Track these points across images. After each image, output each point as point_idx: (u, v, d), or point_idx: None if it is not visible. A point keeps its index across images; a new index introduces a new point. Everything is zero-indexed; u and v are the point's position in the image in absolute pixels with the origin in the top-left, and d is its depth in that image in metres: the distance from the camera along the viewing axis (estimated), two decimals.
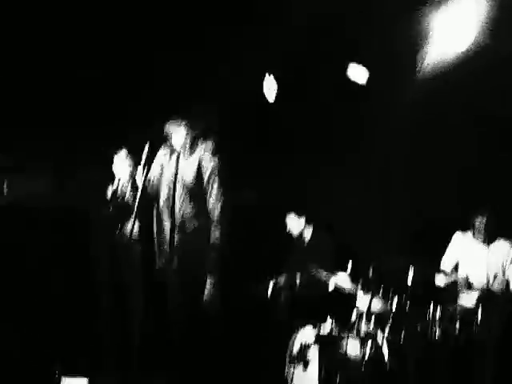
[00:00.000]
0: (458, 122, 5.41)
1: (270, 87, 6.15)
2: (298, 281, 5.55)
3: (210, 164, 3.58)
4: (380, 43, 5.38)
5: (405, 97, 5.53)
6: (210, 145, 3.64)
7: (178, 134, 3.70)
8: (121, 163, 5.06)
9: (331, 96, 5.93)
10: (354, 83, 5.73)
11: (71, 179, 5.87)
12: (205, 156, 3.61)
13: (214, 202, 3.55)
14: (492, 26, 4.85)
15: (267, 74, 6.19)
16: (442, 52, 5.19)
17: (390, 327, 4.48)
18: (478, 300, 4.71)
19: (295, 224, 5.79)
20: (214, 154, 3.61)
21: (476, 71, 5.08)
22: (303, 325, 4.73)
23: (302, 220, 5.77)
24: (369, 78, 5.70)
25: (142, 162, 3.54)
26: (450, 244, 5.37)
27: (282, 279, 5.66)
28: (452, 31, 5.03)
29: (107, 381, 4.82)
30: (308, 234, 5.81)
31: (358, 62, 5.70)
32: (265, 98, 6.02)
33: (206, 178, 3.58)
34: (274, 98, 6.07)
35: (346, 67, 5.82)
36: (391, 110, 5.67)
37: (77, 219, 5.67)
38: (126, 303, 5.44)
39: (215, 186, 3.56)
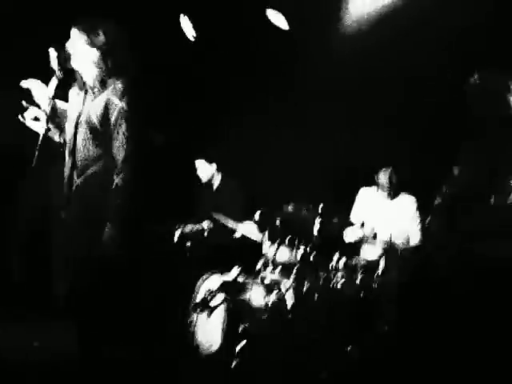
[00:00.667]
0: (379, 78, 5.44)
1: (187, 28, 5.96)
2: (205, 227, 5.53)
3: (118, 106, 3.40)
4: None
5: (328, 47, 5.50)
6: (119, 85, 3.44)
7: (87, 70, 3.48)
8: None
9: (251, 42, 5.83)
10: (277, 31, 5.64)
11: None
12: (113, 97, 3.41)
13: (119, 145, 3.39)
14: None
15: (182, 15, 5.99)
16: (366, 8, 5.17)
17: (294, 276, 4.53)
18: (381, 253, 4.85)
19: (205, 170, 5.71)
20: (123, 95, 3.42)
21: (400, 27, 5.10)
22: (209, 272, 4.70)
23: (212, 167, 5.70)
24: (291, 29, 5.62)
25: (48, 96, 3.31)
26: (356, 198, 5.48)
27: (188, 226, 5.62)
28: None
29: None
30: (217, 181, 5.76)
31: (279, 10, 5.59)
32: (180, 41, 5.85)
33: (112, 119, 3.40)
34: (192, 39, 5.90)
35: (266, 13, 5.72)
36: (314, 60, 5.63)
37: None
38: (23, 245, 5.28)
39: (122, 128, 3.39)
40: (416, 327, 4.68)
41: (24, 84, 4.96)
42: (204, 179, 5.74)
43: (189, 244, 5.25)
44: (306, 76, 5.73)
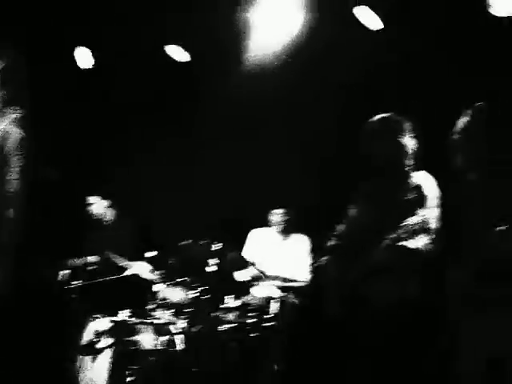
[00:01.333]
0: (277, 114, 5.52)
1: (84, 59, 5.85)
2: (94, 266, 5.34)
3: (15, 135, 3.22)
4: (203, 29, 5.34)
5: (229, 84, 5.53)
6: (17, 114, 3.27)
7: None
8: None
9: (148, 77, 5.79)
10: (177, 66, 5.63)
11: None
12: (11, 126, 3.24)
13: (11, 175, 3.21)
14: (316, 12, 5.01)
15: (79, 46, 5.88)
16: (266, 41, 5.25)
17: (186, 317, 4.45)
18: (273, 293, 4.85)
19: (97, 207, 5.54)
20: (19, 124, 3.25)
21: (300, 59, 5.21)
22: (97, 312, 4.52)
23: (105, 203, 5.55)
24: (192, 63, 5.63)
25: None
26: (248, 237, 5.49)
27: (77, 262, 5.40)
28: (276, 20, 5.12)
29: None
30: (109, 218, 5.60)
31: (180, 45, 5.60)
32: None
33: (7, 149, 3.22)
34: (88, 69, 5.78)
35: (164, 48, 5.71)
36: (214, 96, 5.64)
37: None
38: None
39: (15, 159, 3.22)
40: (307, 367, 4.71)
41: None
42: (95, 215, 5.56)
43: (76, 282, 5.03)
44: (202, 112, 5.74)
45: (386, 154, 3.51)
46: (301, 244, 5.36)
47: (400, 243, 3.36)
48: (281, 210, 5.34)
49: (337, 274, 3.65)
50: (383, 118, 3.58)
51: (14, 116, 3.26)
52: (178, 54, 5.76)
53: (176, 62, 5.78)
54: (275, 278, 5.04)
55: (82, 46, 5.87)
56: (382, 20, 4.92)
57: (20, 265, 3.26)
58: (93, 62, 5.86)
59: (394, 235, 3.37)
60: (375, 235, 3.48)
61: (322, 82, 5.29)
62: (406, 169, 3.49)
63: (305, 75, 5.34)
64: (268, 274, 5.15)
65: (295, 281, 5.08)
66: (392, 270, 3.44)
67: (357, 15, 4.91)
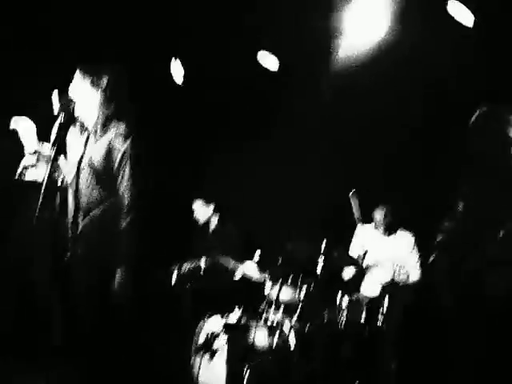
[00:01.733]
0: (374, 116, 5.47)
1: (177, 70, 6.00)
2: (202, 266, 5.45)
3: (122, 147, 3.36)
4: (292, 33, 5.37)
5: (320, 83, 5.53)
6: (122, 127, 3.40)
7: (89, 113, 3.46)
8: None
9: (244, 81, 5.87)
10: (267, 71, 5.68)
11: None
12: (117, 138, 3.37)
13: (124, 187, 3.34)
14: (402, 15, 4.94)
15: (174, 58, 6.04)
16: (355, 43, 5.23)
17: (297, 316, 4.46)
18: (383, 290, 4.80)
19: (202, 211, 5.67)
20: (126, 138, 3.38)
21: (389, 61, 5.15)
22: (210, 314, 4.61)
23: (210, 207, 5.66)
24: (282, 68, 5.67)
25: (51, 139, 3.26)
26: (354, 235, 5.46)
27: (187, 267, 5.54)
28: (365, 22, 5.09)
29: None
30: (215, 221, 5.71)
31: (270, 51, 5.64)
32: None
33: (116, 161, 3.35)
34: (182, 81, 5.93)
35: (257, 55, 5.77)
36: (306, 98, 5.65)
37: None
38: (28, 293, 5.17)
39: (126, 171, 3.34)
40: (422, 366, 4.63)
41: (13, 123, 4.95)
42: (201, 220, 5.69)
43: (188, 285, 5.15)
44: (303, 113, 5.75)
45: (492, 147, 3.42)
46: (405, 240, 5.28)
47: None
48: (384, 208, 5.28)
49: (449, 270, 3.56)
50: (487, 109, 3.48)
51: (118, 130, 3.39)
52: (269, 61, 5.82)
53: (267, 69, 5.84)
54: (383, 274, 4.99)
55: (175, 57, 6.03)
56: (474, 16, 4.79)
57: (137, 271, 3.38)
58: (184, 73, 6.01)
59: (509, 227, 3.27)
60: (488, 229, 3.39)
61: (413, 81, 5.20)
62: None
63: (395, 74, 5.27)
64: (375, 271, 5.13)
65: (403, 277, 5.00)
66: (509, 262, 3.33)
67: (450, 11, 4.80)
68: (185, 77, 5.98)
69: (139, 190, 3.34)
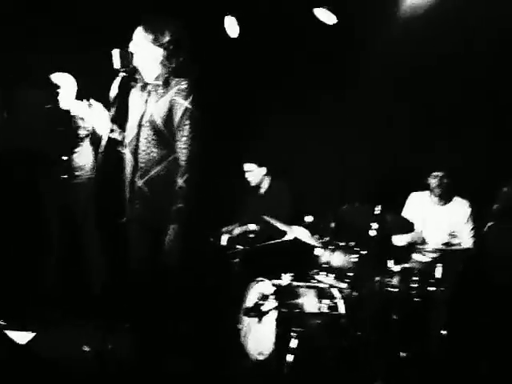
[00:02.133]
0: (432, 71, 5.28)
1: (232, 27, 5.90)
2: (252, 229, 5.45)
3: (182, 106, 3.32)
4: None
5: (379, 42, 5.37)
6: (184, 86, 3.36)
7: (151, 69, 3.43)
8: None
9: (299, 37, 5.74)
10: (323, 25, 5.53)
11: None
12: (178, 97, 3.34)
13: (183, 146, 3.32)
14: None
15: (228, 15, 5.93)
16: None
17: (348, 281, 4.42)
18: (435, 257, 4.71)
19: (254, 174, 5.63)
20: (188, 96, 3.34)
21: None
22: (260, 276, 4.61)
23: (262, 170, 5.62)
24: (340, 23, 5.51)
25: (111, 96, 3.26)
26: (406, 202, 5.34)
27: (236, 229, 5.55)
28: None
29: (58, 335, 4.59)
30: (266, 185, 5.67)
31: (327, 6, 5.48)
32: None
33: (176, 120, 3.33)
34: (236, 37, 5.85)
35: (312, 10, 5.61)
36: (365, 53, 5.50)
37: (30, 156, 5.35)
38: (81, 250, 5.27)
39: (186, 129, 3.32)
40: (473, 332, 4.55)
41: (54, 78, 5.01)
42: (253, 183, 5.66)
43: (239, 247, 5.16)
44: (354, 72, 5.62)
45: None
46: (461, 208, 5.13)
47: None
48: (440, 173, 5.11)
49: (506, 239, 3.46)
50: None
51: (180, 87, 3.35)
52: (325, 16, 5.66)
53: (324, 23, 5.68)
54: (436, 241, 4.89)
55: (229, 14, 5.92)
56: None
57: (190, 230, 3.37)
58: (238, 30, 5.91)
59: None
60: None
61: (477, 29, 4.98)
62: None
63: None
64: (429, 237, 5.03)
65: (456, 246, 4.87)
66: None
67: None
68: (240, 35, 5.87)
69: (198, 150, 3.32)
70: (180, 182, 3.29)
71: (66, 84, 5.16)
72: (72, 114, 5.17)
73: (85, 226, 5.24)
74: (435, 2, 4.98)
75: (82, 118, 5.03)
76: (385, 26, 5.33)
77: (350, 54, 5.67)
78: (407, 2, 5.14)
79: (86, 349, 4.10)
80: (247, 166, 5.63)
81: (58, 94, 5.13)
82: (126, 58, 3.31)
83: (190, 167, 3.30)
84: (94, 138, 5.15)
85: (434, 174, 5.13)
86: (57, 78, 5.15)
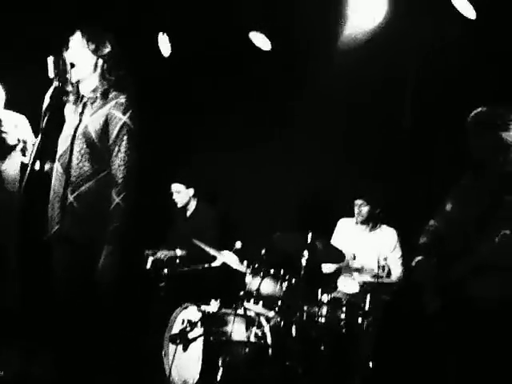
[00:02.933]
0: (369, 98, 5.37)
1: (164, 45, 5.82)
2: (178, 254, 5.31)
3: (120, 120, 3.17)
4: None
5: (321, 70, 5.41)
6: (123, 100, 3.21)
7: (88, 81, 3.27)
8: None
9: (236, 64, 5.72)
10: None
11: None
12: (115, 111, 3.19)
13: (120, 162, 3.16)
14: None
15: (161, 33, 5.84)
16: (356, 26, 5.11)
17: (277, 309, 4.36)
18: (364, 287, 4.72)
19: (181, 195, 5.50)
20: (126, 110, 3.20)
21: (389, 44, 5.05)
22: (186, 302, 4.47)
23: (189, 191, 5.50)
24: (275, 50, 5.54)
25: (44, 106, 3.06)
26: (336, 230, 5.36)
27: (161, 252, 5.39)
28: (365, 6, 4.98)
29: None
30: (193, 207, 5.56)
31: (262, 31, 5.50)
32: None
33: (113, 134, 3.17)
34: (168, 55, 5.75)
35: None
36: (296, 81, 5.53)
37: None
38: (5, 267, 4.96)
39: (123, 144, 3.17)
40: (400, 365, 4.59)
41: None
42: (180, 204, 5.52)
43: (164, 271, 4.99)
44: (287, 100, 5.63)
45: (487, 148, 3.34)
46: (387, 236, 5.19)
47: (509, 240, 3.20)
48: (360, 201, 5.14)
49: (435, 272, 3.50)
50: (486, 110, 3.40)
51: (119, 101, 3.22)
52: (261, 41, 5.67)
53: (260, 49, 5.69)
54: (365, 272, 4.92)
55: (163, 32, 5.84)
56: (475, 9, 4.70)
57: (125, 250, 3.23)
58: (171, 50, 5.83)
59: (503, 232, 3.20)
60: (478, 232, 3.33)
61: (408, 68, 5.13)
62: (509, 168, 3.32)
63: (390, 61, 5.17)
64: (358, 267, 5.05)
65: (384, 276, 4.91)
66: (500, 267, 3.28)
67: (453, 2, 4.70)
68: (172, 55, 5.79)
69: (134, 166, 3.18)
70: (117, 199, 3.13)
71: None
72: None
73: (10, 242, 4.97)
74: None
75: (10, 129, 4.80)
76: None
77: (285, 79, 5.69)
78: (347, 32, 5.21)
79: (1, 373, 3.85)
80: (174, 187, 5.50)
81: None
82: (62, 66, 3.12)
83: (128, 185, 3.15)
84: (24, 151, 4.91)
85: (355, 201, 5.18)
86: None
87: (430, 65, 4.99)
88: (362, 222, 5.19)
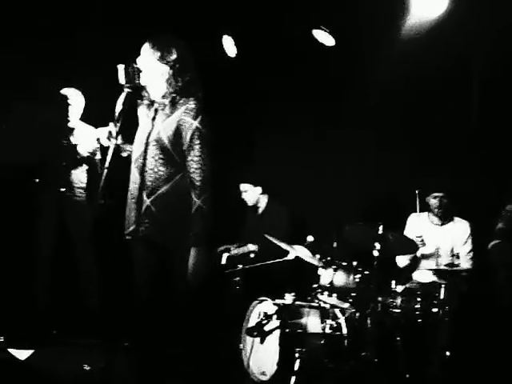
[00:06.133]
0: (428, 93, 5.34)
1: (229, 46, 5.94)
2: (251, 249, 5.43)
3: (192, 125, 3.30)
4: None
5: (378, 66, 5.41)
6: (192, 105, 3.34)
7: (158, 88, 3.41)
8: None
9: (299, 58, 5.78)
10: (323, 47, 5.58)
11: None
12: (186, 116, 3.32)
13: (196, 166, 3.29)
14: None
15: (226, 35, 5.96)
16: (418, 17, 5.08)
17: (351, 301, 4.41)
18: (438, 277, 4.70)
19: (250, 193, 5.62)
20: (197, 115, 3.32)
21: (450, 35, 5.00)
22: (260, 296, 4.57)
23: (258, 190, 5.61)
24: (340, 45, 5.56)
25: (116, 112, 3.22)
26: (407, 223, 5.35)
27: (234, 248, 5.52)
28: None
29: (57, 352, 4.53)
30: (263, 204, 5.67)
31: (328, 28, 5.52)
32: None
33: (186, 139, 3.30)
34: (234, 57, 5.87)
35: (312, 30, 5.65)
36: (358, 79, 5.55)
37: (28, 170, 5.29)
38: (78, 267, 5.21)
39: (197, 148, 3.29)
40: (477, 353, 4.54)
41: (65, 91, 5.03)
42: (250, 202, 5.65)
43: (239, 266, 5.12)
44: (352, 95, 5.66)
45: None
46: (461, 229, 5.14)
47: None
48: (440, 194, 5.13)
49: (509, 259, 3.47)
50: None
51: (188, 106, 3.33)
52: (324, 38, 5.71)
53: (323, 46, 5.73)
54: (438, 262, 4.90)
55: (228, 34, 5.96)
56: None
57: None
58: (236, 50, 5.94)
59: None
60: None
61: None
62: None
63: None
64: (431, 258, 5.03)
65: (458, 266, 4.87)
66: None
67: None
68: (238, 55, 5.90)
69: (210, 169, 3.30)
70: (198, 201, 3.25)
71: (75, 100, 5.18)
72: (76, 131, 5.20)
73: (80, 244, 5.22)
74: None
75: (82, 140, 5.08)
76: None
77: (349, 76, 5.72)
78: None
79: (86, 368, 4.04)
80: (242, 186, 5.63)
81: (66, 109, 5.14)
82: (132, 73, 3.28)
83: (207, 187, 3.28)
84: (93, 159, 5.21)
85: (434, 194, 5.15)
86: (67, 93, 5.16)
87: (496, 54, 4.91)
88: (441, 215, 5.16)
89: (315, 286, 4.56)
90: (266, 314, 4.38)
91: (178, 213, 3.29)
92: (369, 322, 4.34)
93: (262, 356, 4.39)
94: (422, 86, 5.33)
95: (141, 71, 3.34)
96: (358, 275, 4.46)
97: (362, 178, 5.68)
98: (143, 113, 3.47)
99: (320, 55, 5.76)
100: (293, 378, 4.07)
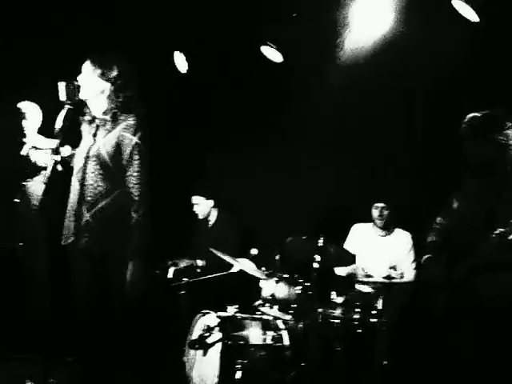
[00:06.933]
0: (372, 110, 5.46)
1: (181, 63, 6.01)
2: (199, 264, 5.47)
3: (131, 141, 3.36)
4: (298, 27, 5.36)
5: (324, 82, 5.52)
6: (132, 121, 3.40)
7: (98, 104, 3.47)
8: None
9: (244, 77, 5.88)
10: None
11: None
12: (126, 132, 3.38)
13: (135, 181, 3.35)
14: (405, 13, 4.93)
15: (176, 51, 6.03)
16: (359, 38, 5.21)
17: (292, 312, 4.48)
18: (377, 288, 4.80)
19: (202, 206, 5.68)
20: (136, 131, 3.39)
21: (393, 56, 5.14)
22: (205, 309, 4.62)
23: (209, 203, 5.67)
24: (285, 62, 5.66)
25: (57, 127, 3.28)
26: (349, 234, 5.45)
27: (182, 262, 5.56)
28: (368, 18, 5.08)
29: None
30: (213, 217, 5.73)
31: (274, 45, 5.62)
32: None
33: (126, 155, 3.36)
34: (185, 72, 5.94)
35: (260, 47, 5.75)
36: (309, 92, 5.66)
37: None
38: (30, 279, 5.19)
39: (136, 164, 3.36)
40: (414, 363, 4.64)
41: (21, 105, 5.05)
42: (201, 215, 5.71)
43: (184, 280, 5.17)
44: (300, 109, 5.76)
45: (484, 153, 3.42)
46: (402, 240, 5.26)
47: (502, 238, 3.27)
48: (382, 205, 5.24)
49: (441, 271, 3.58)
50: (479, 115, 3.48)
51: (128, 123, 3.40)
52: (271, 54, 5.81)
53: (270, 62, 5.83)
54: (378, 273, 5.00)
55: (178, 50, 6.02)
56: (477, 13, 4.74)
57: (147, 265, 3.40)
58: (187, 67, 6.00)
59: (504, 230, 3.27)
60: (481, 230, 3.40)
61: (415, 77, 5.19)
62: (508, 167, 3.40)
63: (396, 71, 5.25)
64: (370, 269, 5.13)
65: (397, 278, 4.98)
66: (502, 264, 3.35)
67: (455, 7, 4.77)
68: (188, 71, 5.97)
69: (149, 184, 3.37)
70: (135, 216, 3.32)
71: (31, 113, 5.17)
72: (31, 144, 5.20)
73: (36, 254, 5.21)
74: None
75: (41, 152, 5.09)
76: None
77: (296, 90, 5.82)
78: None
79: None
80: (195, 199, 5.68)
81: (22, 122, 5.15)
82: (72, 90, 3.34)
83: (145, 202, 3.35)
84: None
85: (376, 204, 5.27)
86: (22, 106, 5.15)
87: (437, 72, 5.06)
88: (383, 226, 5.27)
89: (258, 297, 4.63)
90: (208, 326, 4.42)
91: (116, 227, 3.36)
92: (309, 332, 4.42)
93: (205, 368, 4.43)
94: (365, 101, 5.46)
95: (80, 88, 3.39)
96: (299, 287, 4.54)
97: (309, 191, 5.76)
98: (85, 129, 3.53)
99: (268, 70, 5.86)
100: None
